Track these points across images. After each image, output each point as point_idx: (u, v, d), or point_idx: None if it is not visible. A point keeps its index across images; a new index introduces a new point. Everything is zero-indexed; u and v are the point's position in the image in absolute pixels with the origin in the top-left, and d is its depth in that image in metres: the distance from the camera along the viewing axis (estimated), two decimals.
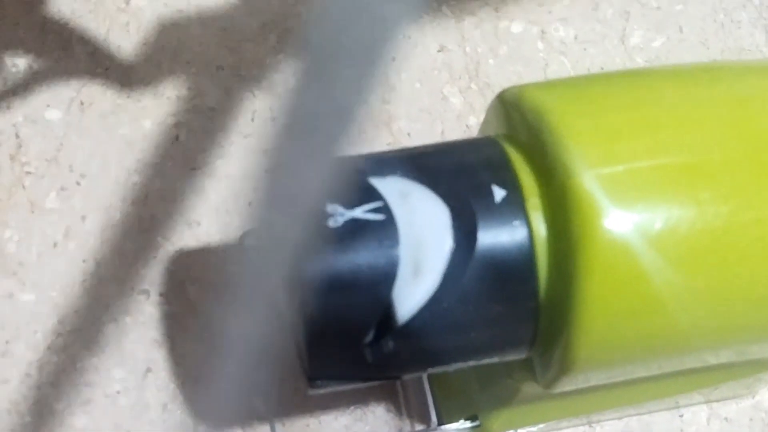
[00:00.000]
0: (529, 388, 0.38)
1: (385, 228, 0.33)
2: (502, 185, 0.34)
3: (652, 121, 0.35)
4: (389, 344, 0.33)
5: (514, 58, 0.51)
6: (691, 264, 0.33)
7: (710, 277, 0.33)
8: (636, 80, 0.38)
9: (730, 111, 0.36)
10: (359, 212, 0.33)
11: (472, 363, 0.36)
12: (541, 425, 0.44)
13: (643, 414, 0.46)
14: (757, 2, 0.54)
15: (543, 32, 0.52)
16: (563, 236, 0.33)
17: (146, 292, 0.46)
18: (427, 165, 0.34)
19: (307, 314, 0.33)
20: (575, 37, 0.52)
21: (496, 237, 0.33)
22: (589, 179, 0.32)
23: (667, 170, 0.33)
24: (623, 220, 0.32)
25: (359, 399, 0.45)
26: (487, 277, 0.33)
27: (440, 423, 0.43)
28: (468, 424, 0.43)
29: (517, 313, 0.34)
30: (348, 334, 0.33)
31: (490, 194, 0.33)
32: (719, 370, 0.41)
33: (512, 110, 0.36)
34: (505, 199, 0.33)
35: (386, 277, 0.32)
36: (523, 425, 0.44)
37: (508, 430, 0.44)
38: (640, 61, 0.52)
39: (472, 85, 0.51)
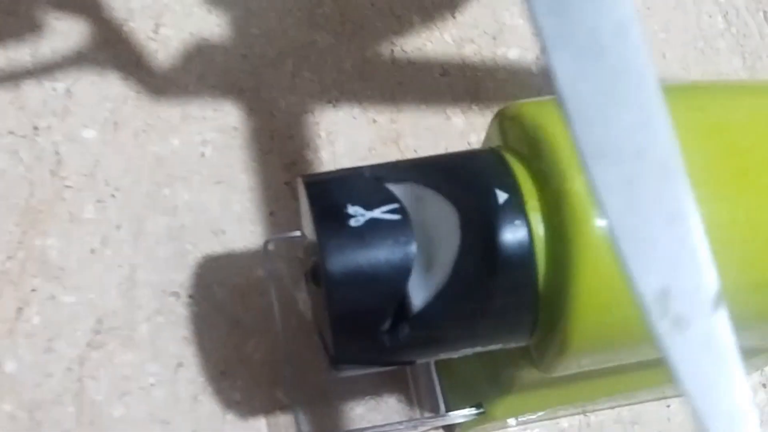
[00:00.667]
0: (530, 375, 0.41)
1: (401, 227, 0.35)
2: (504, 189, 0.36)
3: None
4: (405, 330, 0.36)
5: (511, 81, 0.55)
6: None
7: None
8: None
9: (710, 124, 0.38)
10: (378, 213, 0.35)
11: (478, 349, 0.38)
12: (541, 413, 0.47)
13: (634, 404, 0.48)
14: (734, 31, 0.58)
15: (538, 58, 0.56)
16: (559, 234, 0.35)
17: (177, 294, 0.48)
18: (437, 172, 0.37)
19: (332, 304, 0.35)
20: None
21: (499, 234, 0.35)
22: (581, 183, 0.35)
23: None
24: None
25: (373, 391, 0.47)
26: (491, 270, 0.35)
27: (448, 410, 0.46)
28: (473, 411, 0.45)
29: (519, 304, 0.36)
30: (368, 321, 0.36)
31: (494, 197, 0.36)
32: None
33: (511, 124, 0.39)
34: (507, 201, 0.36)
35: (402, 270, 0.35)
36: (524, 412, 0.46)
37: (511, 416, 0.46)
38: None
39: (473, 106, 0.54)
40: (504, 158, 0.37)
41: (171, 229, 0.50)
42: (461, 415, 0.45)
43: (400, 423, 0.46)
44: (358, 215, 0.35)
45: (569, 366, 0.38)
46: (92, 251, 0.49)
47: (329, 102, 0.53)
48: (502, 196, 0.36)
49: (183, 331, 0.48)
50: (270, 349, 0.48)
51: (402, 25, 0.55)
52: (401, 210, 0.35)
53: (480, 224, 0.35)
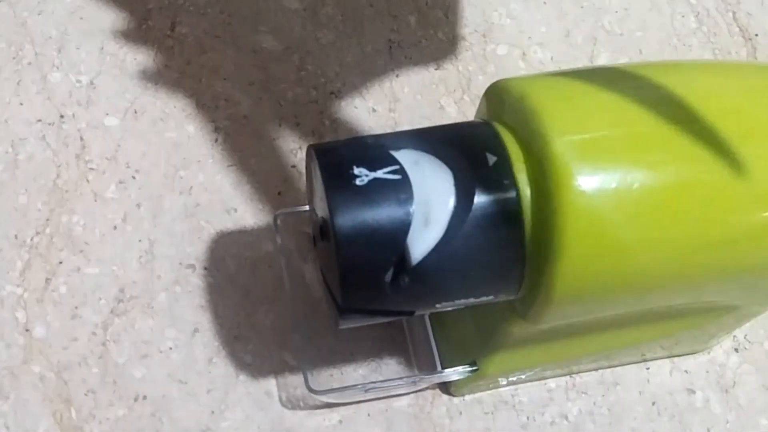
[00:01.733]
0: (519, 330, 0.44)
1: (402, 186, 0.38)
2: (493, 153, 0.39)
3: (614, 100, 0.40)
4: (405, 280, 0.38)
5: (499, 74, 0.59)
6: (645, 214, 0.38)
7: (661, 225, 0.38)
8: (601, 71, 0.45)
9: (678, 92, 0.41)
10: (380, 173, 0.38)
11: (471, 300, 0.41)
12: (530, 372, 0.50)
13: (615, 366, 0.52)
14: (705, 29, 0.62)
15: (524, 54, 0.60)
16: (543, 191, 0.38)
17: (192, 267, 0.52)
18: (433, 139, 0.40)
19: (341, 254, 0.38)
20: (551, 58, 0.60)
21: (490, 194, 0.38)
22: (561, 144, 0.38)
23: (625, 138, 0.39)
24: (590, 177, 0.37)
25: (375, 353, 0.51)
26: (483, 226, 0.38)
27: (443, 368, 0.48)
28: (468, 368, 0.48)
29: (508, 257, 0.39)
30: (372, 271, 0.38)
31: (485, 159, 0.39)
32: (677, 319, 0.47)
33: (499, 97, 0.42)
34: (496, 163, 0.39)
35: (402, 225, 0.38)
36: (514, 370, 0.49)
37: (502, 373, 0.49)
38: None
39: (465, 97, 0.58)
40: (493, 126, 0.41)
41: (187, 207, 0.53)
42: (456, 372, 0.48)
43: (400, 379, 0.50)
44: (363, 175, 0.38)
45: (554, 316, 0.41)
46: (114, 227, 0.53)
47: (332, 93, 0.57)
48: (491, 159, 0.39)
49: (199, 300, 0.51)
50: (279, 316, 0.51)
51: (399, 24, 0.60)
52: (401, 171, 0.39)
53: (472, 184, 0.38)
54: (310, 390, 0.46)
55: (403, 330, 0.52)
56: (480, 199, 0.38)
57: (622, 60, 0.60)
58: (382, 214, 0.38)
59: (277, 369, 0.50)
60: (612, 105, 0.41)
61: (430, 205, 0.38)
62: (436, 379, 0.49)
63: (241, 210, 0.54)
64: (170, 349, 0.50)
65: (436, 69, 0.59)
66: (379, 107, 0.57)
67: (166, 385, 0.49)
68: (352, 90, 0.57)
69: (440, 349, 0.50)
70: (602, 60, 0.60)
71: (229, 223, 0.53)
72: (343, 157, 0.39)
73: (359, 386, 0.48)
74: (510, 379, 0.51)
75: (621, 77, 0.44)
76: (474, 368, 0.48)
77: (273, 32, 0.59)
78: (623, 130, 0.39)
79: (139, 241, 0.52)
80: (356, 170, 0.39)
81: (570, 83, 0.43)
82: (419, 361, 0.51)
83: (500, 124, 0.41)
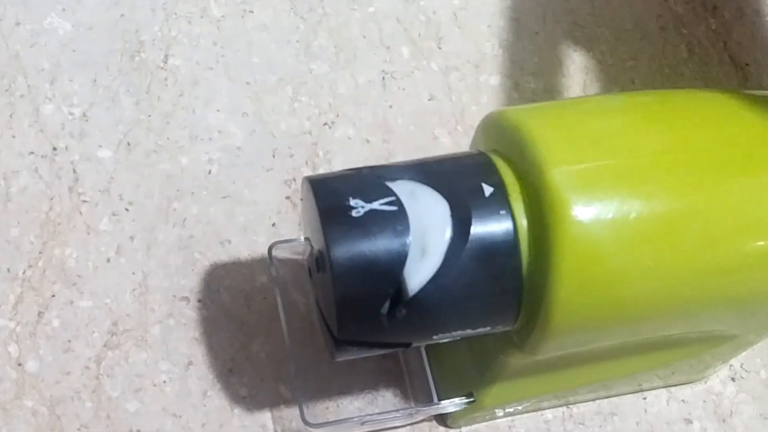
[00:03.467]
0: (516, 361, 0.44)
1: (398, 217, 0.38)
2: (489, 184, 0.39)
3: (609, 129, 0.41)
4: (401, 312, 0.38)
5: (493, 104, 0.59)
6: (642, 244, 0.38)
7: (658, 255, 0.39)
8: (596, 100, 0.45)
9: (673, 124, 0.42)
10: (377, 204, 0.38)
11: (468, 332, 0.41)
12: (527, 403, 0.50)
13: (613, 396, 0.52)
14: (697, 59, 0.62)
15: (517, 84, 0.60)
16: (539, 222, 0.38)
17: (186, 299, 0.52)
18: (429, 170, 0.40)
19: (337, 286, 0.38)
20: (544, 88, 0.60)
21: (486, 224, 0.38)
22: (557, 174, 0.38)
23: (621, 168, 0.39)
24: (587, 207, 0.37)
25: (371, 385, 0.50)
26: (480, 257, 0.38)
27: (440, 400, 0.48)
28: (464, 399, 0.47)
29: (505, 287, 0.39)
30: (369, 303, 0.38)
31: (481, 191, 0.39)
32: (673, 349, 0.47)
33: (495, 127, 0.42)
34: (492, 194, 0.39)
35: (399, 256, 0.38)
36: (511, 401, 0.49)
37: (499, 404, 0.49)
38: None
39: (458, 127, 0.58)
40: (489, 157, 0.41)
41: (181, 239, 0.53)
42: (452, 403, 0.48)
43: (396, 411, 0.49)
44: (359, 207, 0.38)
45: (551, 347, 0.41)
46: (108, 260, 0.52)
47: (325, 124, 0.57)
48: (488, 190, 0.39)
49: (193, 333, 0.51)
50: (274, 349, 0.51)
51: (392, 54, 0.60)
52: (397, 202, 0.39)
53: (468, 215, 0.39)
54: (306, 423, 0.46)
55: (400, 361, 0.51)
56: (477, 230, 0.39)
57: (614, 90, 0.60)
58: (378, 245, 0.38)
59: (273, 402, 0.50)
60: (607, 135, 0.41)
61: (427, 236, 0.38)
62: (433, 410, 0.49)
63: (235, 242, 0.54)
64: (164, 382, 0.50)
65: (429, 100, 0.59)
66: (372, 138, 0.57)
67: (161, 419, 0.49)
68: (346, 121, 0.58)
69: (437, 380, 0.49)
70: (594, 90, 0.60)
71: (223, 255, 0.53)
72: (339, 189, 0.39)
73: (355, 419, 0.48)
74: (507, 410, 0.51)
75: (616, 107, 0.44)
76: (471, 400, 0.48)
77: (266, 63, 0.59)
78: (619, 160, 0.40)
79: (133, 273, 0.52)
80: (352, 202, 0.39)
81: (565, 113, 0.43)
82: (416, 392, 0.51)
83: (496, 155, 0.41)
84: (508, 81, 0.60)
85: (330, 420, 0.49)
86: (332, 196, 0.39)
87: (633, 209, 0.38)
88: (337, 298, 0.38)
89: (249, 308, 0.52)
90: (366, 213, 0.38)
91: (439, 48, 0.60)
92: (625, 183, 0.39)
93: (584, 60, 0.61)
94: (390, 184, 0.40)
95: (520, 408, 0.51)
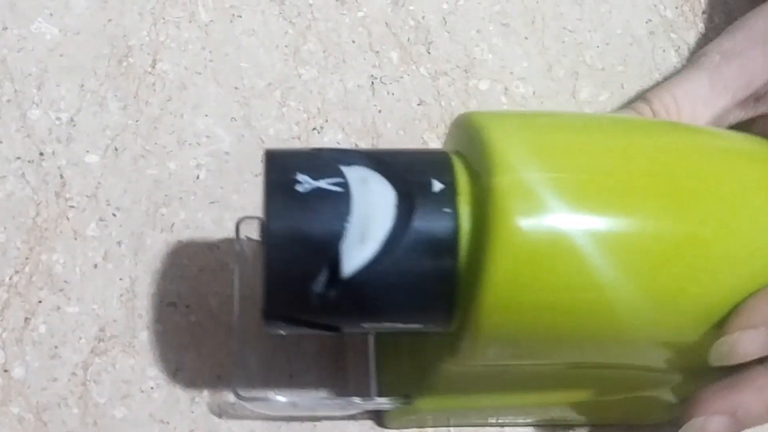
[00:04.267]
0: (453, 367, 0.43)
1: (342, 199, 0.38)
2: (441, 181, 0.39)
3: (574, 145, 0.40)
4: (332, 293, 0.39)
5: (482, 109, 0.59)
6: (580, 260, 0.38)
7: (595, 274, 0.38)
8: (572, 116, 0.45)
9: (641, 146, 0.41)
10: (323, 183, 0.39)
11: (399, 325, 0.41)
12: (461, 417, 0.49)
13: (559, 425, 0.51)
14: (686, 64, 0.63)
15: (506, 89, 0.60)
16: (481, 226, 0.38)
17: (174, 304, 0.51)
18: (387, 160, 0.40)
19: (268, 258, 0.38)
20: (533, 93, 0.60)
21: (429, 220, 0.38)
22: (506, 181, 0.37)
23: (573, 183, 0.38)
24: (529, 218, 0.37)
25: (315, 375, 0.50)
26: (417, 251, 0.38)
27: (379, 395, 0.48)
28: (401, 399, 0.47)
29: (439, 285, 0.39)
30: (299, 279, 0.39)
31: (430, 185, 0.39)
32: (627, 381, 0.46)
33: (460, 129, 0.43)
34: (441, 191, 0.39)
35: (335, 236, 0.38)
36: (448, 409, 0.48)
37: (434, 411, 0.48)
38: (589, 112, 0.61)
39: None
40: (448, 156, 0.41)
41: (168, 244, 0.53)
42: (387, 402, 0.47)
43: (329, 399, 0.49)
44: (305, 183, 0.39)
45: (481, 354, 0.41)
46: (95, 265, 0.52)
47: (314, 129, 0.57)
48: (437, 186, 0.39)
49: (181, 339, 0.51)
50: (263, 354, 0.51)
51: (381, 59, 0.60)
52: (345, 185, 0.39)
53: (413, 207, 0.39)
54: (237, 395, 0.46)
55: (346, 353, 0.51)
56: (418, 223, 0.39)
57: (604, 94, 0.60)
58: (316, 222, 0.38)
59: (261, 408, 0.49)
60: (571, 149, 0.40)
61: (369, 222, 0.39)
62: (367, 406, 0.48)
63: (224, 248, 0.53)
64: (152, 388, 0.49)
65: (418, 104, 0.59)
66: (361, 143, 0.57)
67: (148, 425, 0.49)
68: (335, 126, 0.57)
69: (381, 378, 0.49)
70: (584, 94, 0.60)
71: (211, 261, 0.53)
72: (290, 163, 0.40)
73: (286, 401, 0.48)
74: (440, 418, 0.50)
75: (588, 123, 0.44)
76: (406, 401, 0.47)
77: (254, 68, 0.58)
78: (573, 175, 0.39)
79: (120, 279, 0.52)
80: (300, 177, 0.39)
81: (534, 122, 0.43)
82: (357, 386, 0.51)
83: (456, 155, 0.41)
84: (498, 86, 0.60)
85: (259, 396, 0.48)
86: (282, 170, 0.40)
87: (578, 225, 0.38)
88: (267, 269, 0.39)
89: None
90: (311, 190, 0.39)
91: (429, 53, 0.60)
92: (575, 198, 0.38)
93: (573, 65, 0.61)
94: (343, 168, 0.40)
95: (452, 420, 0.50)
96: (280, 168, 0.40)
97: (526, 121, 0.43)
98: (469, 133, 0.41)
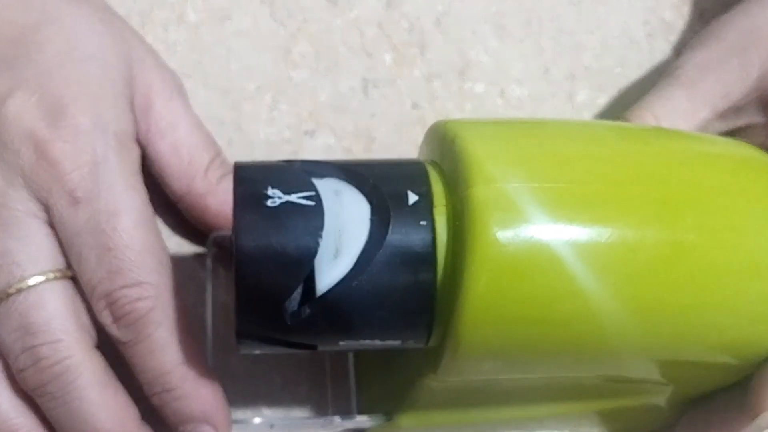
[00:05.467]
0: (434, 384, 0.42)
1: (314, 213, 0.37)
2: (416, 192, 0.38)
3: (554, 154, 0.39)
4: (306, 311, 0.37)
5: (477, 113, 0.58)
6: (561, 272, 0.37)
7: (576, 285, 0.37)
8: (555, 123, 0.43)
9: (617, 149, 0.40)
10: (294, 197, 0.38)
11: (377, 342, 0.39)
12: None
13: None
14: None
15: (502, 91, 0.59)
16: (459, 238, 0.37)
17: None
18: (360, 172, 0.39)
19: (239, 274, 0.37)
20: (529, 96, 0.59)
21: (404, 233, 0.37)
22: (483, 192, 0.36)
23: (553, 194, 0.37)
24: (507, 229, 0.36)
25: (290, 393, 0.50)
26: (393, 265, 0.37)
27: (360, 413, 0.47)
28: (382, 417, 0.46)
29: (416, 300, 0.38)
30: (272, 295, 0.37)
31: (405, 198, 0.38)
32: (615, 394, 0.45)
33: (435, 138, 0.42)
34: (416, 203, 0.38)
35: (308, 252, 0.37)
36: (430, 425, 0.47)
37: (416, 428, 0.47)
38: (586, 116, 0.59)
39: None
40: (424, 166, 0.40)
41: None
42: (369, 420, 0.46)
43: (308, 419, 0.48)
44: (276, 197, 0.38)
45: (461, 370, 0.40)
46: None
47: (306, 132, 0.56)
48: (412, 198, 0.38)
49: None
50: (253, 364, 0.50)
51: (374, 62, 0.59)
52: (317, 198, 0.38)
53: (388, 220, 0.38)
54: None
55: (326, 370, 0.51)
56: (393, 237, 0.37)
57: (601, 97, 0.59)
58: (287, 238, 0.37)
59: (251, 417, 0.48)
60: (552, 157, 0.39)
61: (343, 236, 0.37)
62: (348, 424, 0.47)
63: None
64: None
65: (412, 108, 0.58)
66: (354, 147, 0.56)
67: None
68: (327, 129, 0.56)
69: (362, 395, 0.48)
70: (581, 97, 0.59)
71: (199, 269, 0.52)
72: (260, 177, 0.39)
73: (263, 421, 0.47)
74: None
75: (571, 132, 0.43)
76: (388, 418, 0.46)
77: (244, 71, 0.57)
78: (557, 184, 0.38)
79: None
80: (270, 191, 0.38)
81: (512, 131, 0.42)
82: (337, 403, 0.50)
83: (432, 165, 0.40)
84: (493, 88, 0.59)
85: (238, 419, 0.47)
86: (251, 183, 0.38)
87: (558, 235, 0.37)
88: (238, 288, 0.38)
89: (227, 323, 0.50)
90: (282, 204, 0.38)
91: (422, 55, 0.59)
92: (555, 208, 0.37)
93: (570, 67, 0.60)
94: (315, 180, 0.39)
95: None
96: (250, 182, 0.38)
97: (503, 129, 0.42)
98: (444, 143, 0.40)
